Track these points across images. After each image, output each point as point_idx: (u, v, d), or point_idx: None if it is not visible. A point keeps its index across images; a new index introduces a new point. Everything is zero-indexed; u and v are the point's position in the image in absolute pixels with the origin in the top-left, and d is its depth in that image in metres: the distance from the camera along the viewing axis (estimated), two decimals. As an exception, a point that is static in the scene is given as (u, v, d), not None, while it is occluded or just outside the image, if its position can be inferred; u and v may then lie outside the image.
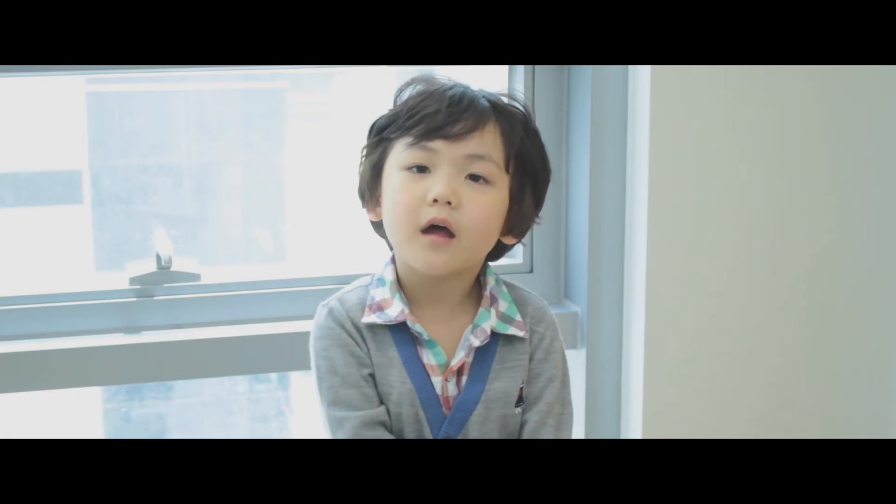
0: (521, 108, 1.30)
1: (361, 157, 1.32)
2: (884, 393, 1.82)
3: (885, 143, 1.75)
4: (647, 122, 1.64)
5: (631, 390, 1.73)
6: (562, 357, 1.33)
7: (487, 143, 1.25)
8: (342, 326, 1.27)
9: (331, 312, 1.29)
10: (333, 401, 1.26)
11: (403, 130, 1.25)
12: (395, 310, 1.27)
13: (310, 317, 1.67)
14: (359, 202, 1.33)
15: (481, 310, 1.30)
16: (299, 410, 2.32)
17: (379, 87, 1.96)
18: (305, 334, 1.68)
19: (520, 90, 1.72)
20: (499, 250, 1.34)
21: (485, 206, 1.25)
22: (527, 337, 1.30)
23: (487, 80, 1.35)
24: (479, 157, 1.24)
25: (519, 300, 1.33)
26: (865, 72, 1.71)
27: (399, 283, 1.29)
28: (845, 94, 1.72)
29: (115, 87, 1.95)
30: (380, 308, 1.28)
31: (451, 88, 1.26)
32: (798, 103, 1.70)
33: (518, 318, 1.31)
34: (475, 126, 1.24)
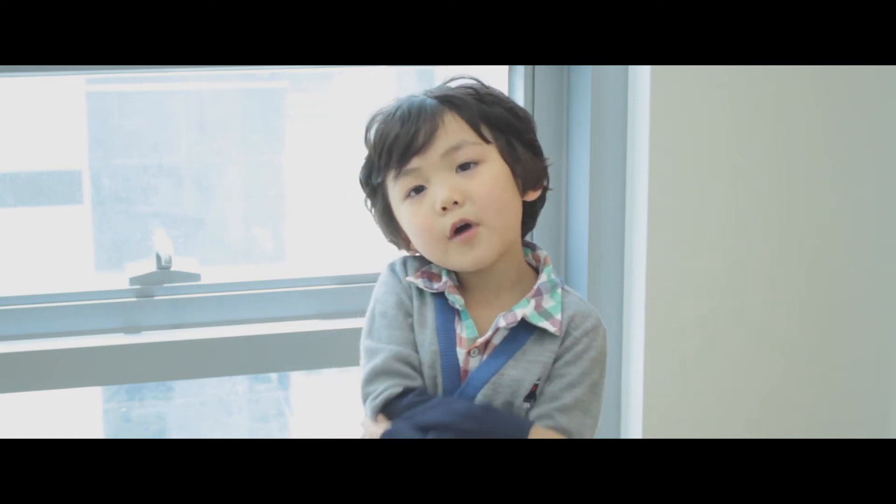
0: (467, 84, 1.33)
1: (370, 212, 1.38)
2: (884, 393, 1.82)
3: (885, 144, 1.75)
4: (647, 122, 1.64)
5: (631, 390, 1.73)
6: (594, 367, 1.30)
7: (454, 131, 1.28)
8: (400, 281, 1.35)
9: (393, 268, 1.37)
10: (377, 336, 1.32)
11: (384, 170, 1.31)
12: (440, 282, 1.33)
13: (309, 317, 1.68)
14: (395, 248, 1.39)
15: (522, 299, 1.32)
16: (299, 410, 2.32)
17: (379, 87, 1.96)
18: (305, 334, 1.69)
19: (520, 90, 1.73)
20: (529, 210, 1.36)
21: (489, 184, 1.28)
22: (559, 335, 1.30)
23: (487, 80, 1.35)
24: (456, 148, 1.28)
25: (567, 304, 1.33)
26: (865, 72, 1.71)
27: None
28: (846, 94, 1.72)
29: (115, 87, 1.94)
30: (429, 278, 1.34)
31: (399, 108, 1.31)
32: (798, 103, 1.70)
33: (557, 316, 1.31)
34: (433, 126, 1.28)
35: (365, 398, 1.30)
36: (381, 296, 1.35)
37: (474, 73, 1.35)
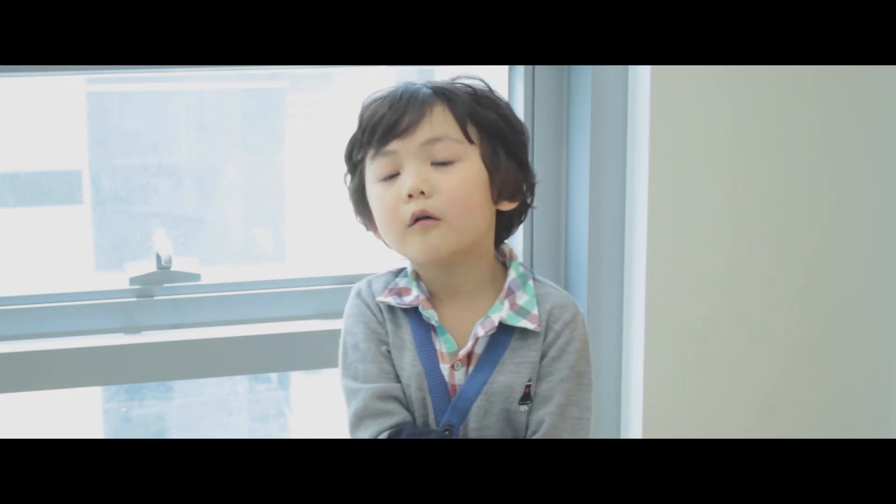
0: (469, 84, 1.32)
1: (346, 186, 1.36)
2: (884, 393, 1.82)
3: (885, 144, 1.75)
4: (647, 122, 1.64)
5: (631, 390, 1.73)
6: (580, 358, 1.30)
7: (439, 125, 1.27)
8: (367, 306, 1.32)
9: (359, 293, 1.34)
10: (353, 374, 1.31)
11: (365, 146, 1.30)
12: (412, 296, 1.31)
13: (309, 317, 1.68)
14: (363, 229, 1.37)
15: (496, 302, 1.30)
16: (299, 410, 2.32)
17: (379, 87, 1.96)
18: (305, 334, 1.69)
19: (520, 90, 1.73)
20: (504, 221, 1.35)
21: (458, 184, 1.26)
22: (539, 331, 1.29)
23: (487, 80, 1.35)
24: (436, 140, 1.27)
25: (542, 296, 1.32)
26: (865, 72, 1.71)
27: (418, 276, 1.34)
28: (846, 94, 1.72)
29: (115, 87, 1.95)
30: (398, 294, 1.32)
31: (394, 91, 1.30)
32: (798, 103, 1.70)
33: (535, 311, 1.30)
34: (420, 114, 1.27)
35: None
36: (351, 327, 1.33)
37: (475, 73, 1.34)
